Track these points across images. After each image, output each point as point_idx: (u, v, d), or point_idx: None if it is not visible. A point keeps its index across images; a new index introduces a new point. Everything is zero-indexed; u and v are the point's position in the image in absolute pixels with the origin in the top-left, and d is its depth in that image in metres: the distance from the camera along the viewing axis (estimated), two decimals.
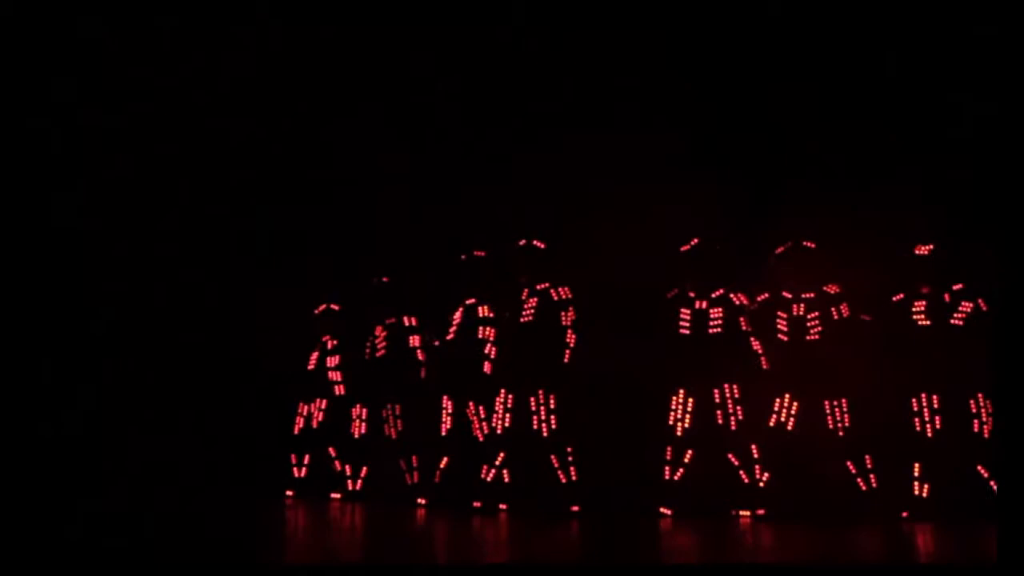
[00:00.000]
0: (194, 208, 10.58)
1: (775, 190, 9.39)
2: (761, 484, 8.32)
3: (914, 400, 8.31)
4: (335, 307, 10.35)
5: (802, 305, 8.64)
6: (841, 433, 8.39)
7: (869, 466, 8.31)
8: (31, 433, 9.13)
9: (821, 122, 9.60)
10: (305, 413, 10.34)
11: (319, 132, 10.49)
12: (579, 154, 9.62)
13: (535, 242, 9.03)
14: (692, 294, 8.68)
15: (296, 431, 10.36)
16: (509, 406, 8.79)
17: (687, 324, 8.58)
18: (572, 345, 8.79)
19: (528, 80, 10.08)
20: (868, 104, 9.56)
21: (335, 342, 10.24)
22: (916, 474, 8.22)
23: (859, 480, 8.30)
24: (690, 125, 9.54)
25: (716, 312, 8.58)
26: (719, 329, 8.54)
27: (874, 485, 8.29)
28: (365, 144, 10.40)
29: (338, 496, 9.91)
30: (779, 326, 8.61)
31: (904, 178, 9.25)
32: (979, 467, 8.10)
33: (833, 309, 8.61)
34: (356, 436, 9.88)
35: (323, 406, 10.21)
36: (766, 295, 8.77)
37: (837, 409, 8.43)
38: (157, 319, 10.56)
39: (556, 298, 8.89)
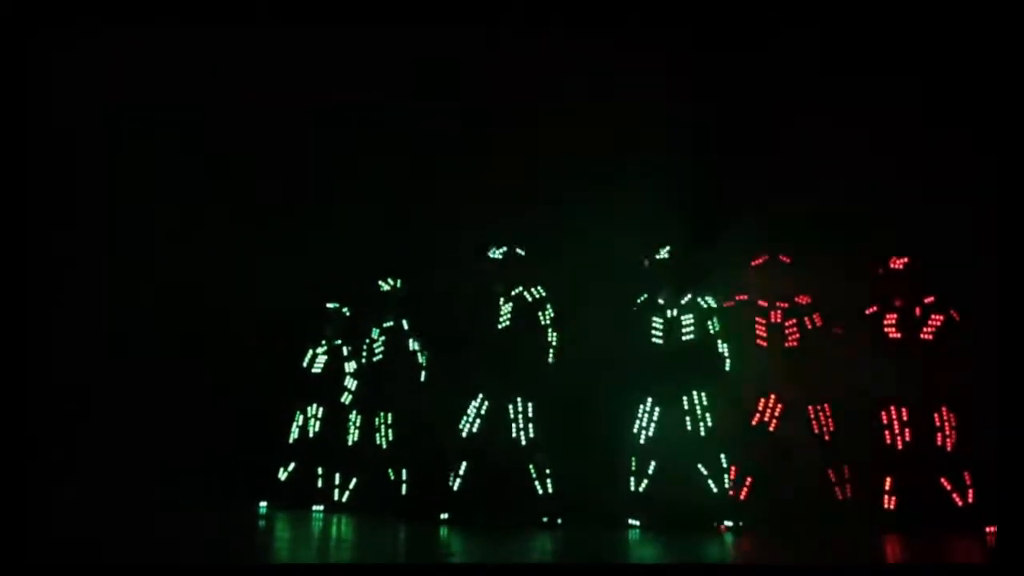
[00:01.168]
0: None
1: (753, 202, 9.37)
2: (734, 494, 8.30)
3: (883, 413, 8.29)
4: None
5: (779, 312, 8.67)
6: (827, 437, 8.47)
7: (833, 479, 8.37)
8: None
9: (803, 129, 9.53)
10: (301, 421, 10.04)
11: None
12: (548, 156, 9.63)
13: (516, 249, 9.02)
14: (661, 301, 8.69)
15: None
16: (483, 413, 8.78)
17: (659, 332, 8.54)
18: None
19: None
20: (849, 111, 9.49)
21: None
22: (887, 488, 8.18)
23: (836, 489, 8.36)
24: (669, 129, 9.50)
25: (687, 318, 8.55)
26: (691, 335, 8.52)
27: (849, 495, 8.33)
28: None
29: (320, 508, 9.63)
30: (758, 331, 8.61)
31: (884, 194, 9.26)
32: (942, 479, 8.08)
33: (807, 319, 8.63)
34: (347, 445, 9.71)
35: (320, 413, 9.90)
36: (744, 296, 8.81)
37: (821, 414, 8.49)
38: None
39: (531, 300, 8.87)
